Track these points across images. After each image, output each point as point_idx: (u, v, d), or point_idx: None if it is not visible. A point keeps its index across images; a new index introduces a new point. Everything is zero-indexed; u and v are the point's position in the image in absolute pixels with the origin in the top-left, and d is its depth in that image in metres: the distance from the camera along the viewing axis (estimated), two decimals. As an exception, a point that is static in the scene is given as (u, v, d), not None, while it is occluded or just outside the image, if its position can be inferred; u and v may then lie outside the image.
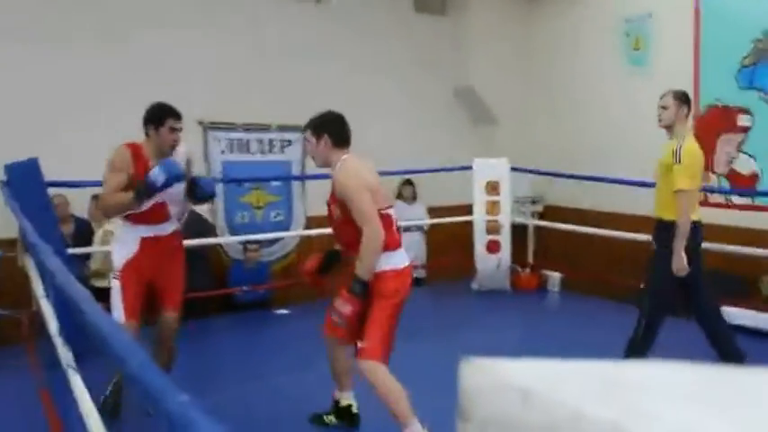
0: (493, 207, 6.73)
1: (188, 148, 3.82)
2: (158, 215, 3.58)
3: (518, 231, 7.15)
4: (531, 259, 7.22)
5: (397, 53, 7.63)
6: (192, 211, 5.92)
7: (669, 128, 4.19)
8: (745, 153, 6.43)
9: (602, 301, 6.18)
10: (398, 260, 3.25)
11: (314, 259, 3.56)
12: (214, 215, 6.74)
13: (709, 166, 6.67)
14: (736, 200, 6.46)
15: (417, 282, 7.67)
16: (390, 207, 3.33)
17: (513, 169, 6.81)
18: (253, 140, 6.93)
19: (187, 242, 5.96)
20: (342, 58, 7.25)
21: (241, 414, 3.83)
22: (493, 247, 6.70)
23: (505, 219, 6.74)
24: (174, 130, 3.57)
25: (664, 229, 4.05)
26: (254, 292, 6.38)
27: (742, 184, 6.42)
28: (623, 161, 6.68)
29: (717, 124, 6.59)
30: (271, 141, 7.02)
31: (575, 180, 6.77)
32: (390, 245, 3.18)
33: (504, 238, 6.73)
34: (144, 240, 3.56)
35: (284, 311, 6.07)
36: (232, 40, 6.67)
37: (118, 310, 3.46)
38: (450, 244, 7.34)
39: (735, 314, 5.49)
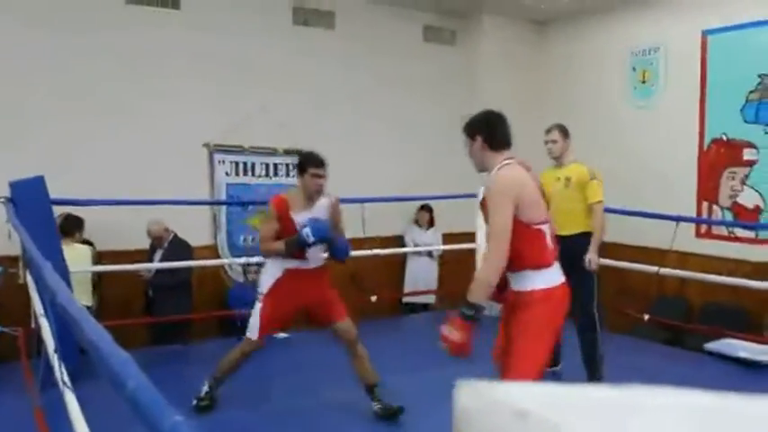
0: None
1: (332, 200, 4.20)
2: (302, 254, 4.02)
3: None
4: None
5: (406, 82, 7.68)
6: (175, 236, 5.92)
7: (558, 158, 4.80)
8: (749, 187, 6.42)
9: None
10: (551, 278, 2.93)
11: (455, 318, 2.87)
12: (216, 237, 6.75)
13: (713, 199, 6.68)
14: (739, 233, 6.44)
15: (425, 307, 7.70)
16: (546, 222, 2.99)
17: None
18: (258, 164, 6.95)
19: (176, 264, 6.02)
20: (351, 84, 7.30)
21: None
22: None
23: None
24: (316, 176, 3.99)
25: (581, 241, 4.57)
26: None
27: (746, 218, 6.41)
28: (628, 193, 6.67)
29: (722, 158, 6.60)
30: (276, 165, 7.04)
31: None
32: (542, 262, 2.91)
33: (507, 267, 6.68)
34: (288, 270, 4.04)
35: (285, 335, 6.04)
36: (242, 64, 6.72)
37: (254, 328, 4.04)
38: (459, 270, 7.32)
39: (737, 346, 5.46)
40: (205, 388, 4.22)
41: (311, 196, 4.04)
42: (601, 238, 4.66)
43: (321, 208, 4.07)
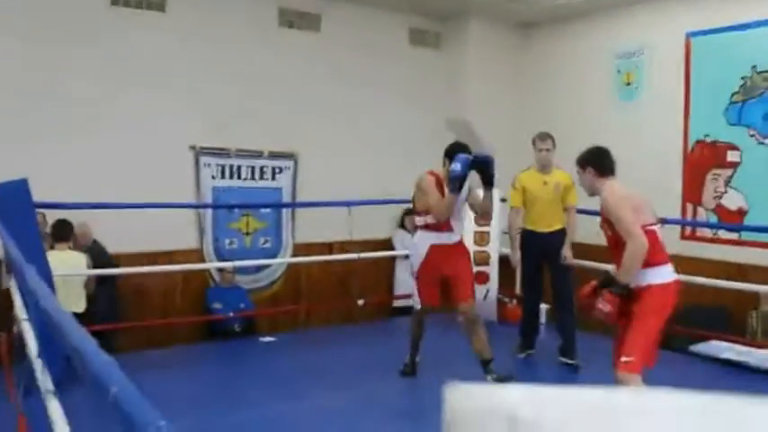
0: (482, 238, 6.73)
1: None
2: (445, 225, 4.64)
3: (506, 262, 7.13)
4: (518, 291, 7.20)
5: (391, 85, 7.68)
6: (96, 243, 5.80)
7: (549, 164, 5.34)
8: (733, 188, 6.47)
9: (587, 332, 6.14)
10: (664, 275, 3.49)
11: (590, 285, 3.72)
12: (202, 239, 6.71)
13: (698, 200, 6.73)
14: (723, 234, 6.49)
15: (410, 311, 7.66)
16: (656, 224, 3.58)
17: (503, 200, 6.82)
18: (244, 167, 6.92)
19: (159, 269, 5.98)
20: (337, 87, 7.29)
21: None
22: (481, 277, 6.67)
23: (494, 250, 6.73)
24: None
25: (561, 237, 5.28)
26: (237, 318, 6.33)
27: (729, 219, 6.45)
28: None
29: (705, 159, 6.65)
30: (262, 168, 7.01)
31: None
32: (656, 260, 3.45)
33: (493, 269, 6.71)
34: (432, 246, 4.64)
35: (270, 339, 6.02)
36: (228, 67, 6.69)
37: (416, 300, 4.79)
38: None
39: (722, 348, 5.49)
40: (406, 358, 4.95)
41: None
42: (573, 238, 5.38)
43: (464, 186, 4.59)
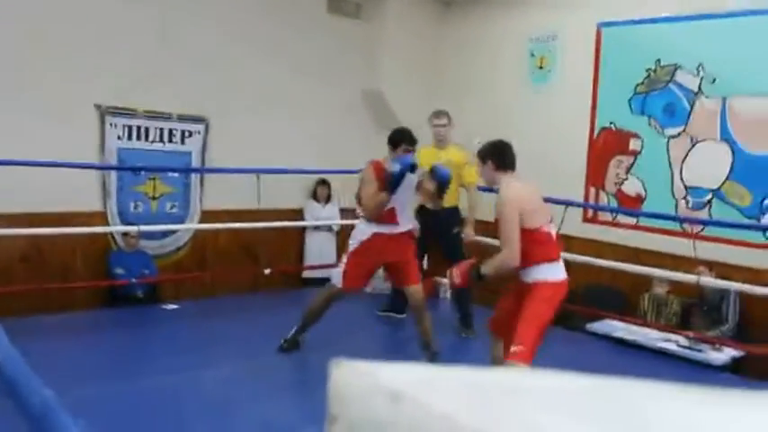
0: (393, 212, 6.76)
1: (422, 170, 4.63)
2: (389, 218, 4.54)
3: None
4: (425, 265, 7.30)
5: (307, 52, 7.56)
6: None
7: (443, 140, 5.61)
8: (633, 175, 6.75)
9: (484, 306, 6.33)
10: (554, 273, 3.60)
11: (469, 263, 3.84)
12: (105, 202, 6.48)
13: (600, 185, 6.99)
14: (622, 219, 6.77)
15: (324, 282, 7.65)
16: (548, 224, 3.67)
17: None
18: (152, 129, 6.69)
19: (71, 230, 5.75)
20: (251, 53, 7.12)
21: (125, 411, 3.69)
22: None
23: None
24: (407, 151, 4.49)
25: (452, 215, 5.49)
26: (140, 284, 6.17)
27: (628, 205, 6.74)
28: (521, 175, 6.86)
29: (610, 146, 6.90)
30: (171, 131, 6.81)
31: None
32: (548, 257, 3.57)
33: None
34: (375, 234, 4.57)
35: (173, 306, 5.90)
36: (139, 25, 6.43)
37: (339, 277, 4.63)
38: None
39: (616, 327, 5.77)
40: (292, 332, 4.82)
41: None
42: (475, 213, 5.57)
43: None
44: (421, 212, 5.51)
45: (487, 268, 3.61)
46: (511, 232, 3.47)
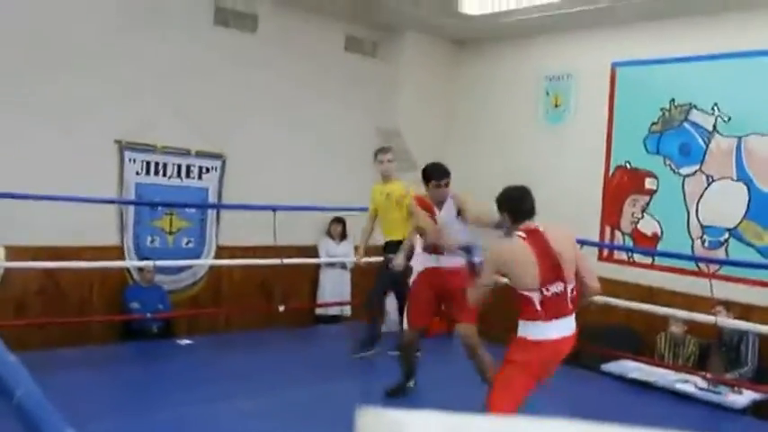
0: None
1: (455, 197, 4.59)
2: (439, 249, 4.51)
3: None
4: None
5: (324, 90, 7.66)
6: None
7: (390, 175, 5.73)
8: (649, 215, 6.73)
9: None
10: (539, 331, 3.39)
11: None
12: (122, 236, 6.53)
13: (616, 224, 6.97)
14: (638, 258, 6.74)
15: (336, 319, 7.68)
16: (549, 285, 3.37)
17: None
18: (170, 164, 6.77)
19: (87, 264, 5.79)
20: (269, 89, 7.22)
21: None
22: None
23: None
24: (438, 186, 4.52)
25: (394, 247, 5.34)
26: (155, 319, 6.19)
27: (644, 244, 6.71)
28: (538, 213, 6.85)
29: (625, 185, 6.90)
30: (189, 167, 6.88)
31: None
32: (530, 316, 3.38)
33: (417, 281, 6.76)
34: (428, 269, 4.62)
35: (188, 341, 5.90)
36: (160, 62, 6.54)
37: (405, 319, 4.70)
38: (369, 284, 7.34)
39: (631, 367, 5.69)
40: (400, 380, 4.82)
41: (439, 202, 4.60)
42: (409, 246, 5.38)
43: (449, 207, 4.57)
44: (385, 248, 5.66)
45: (469, 296, 3.65)
46: (480, 280, 3.54)
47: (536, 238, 3.46)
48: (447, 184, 4.54)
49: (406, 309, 4.71)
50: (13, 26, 5.81)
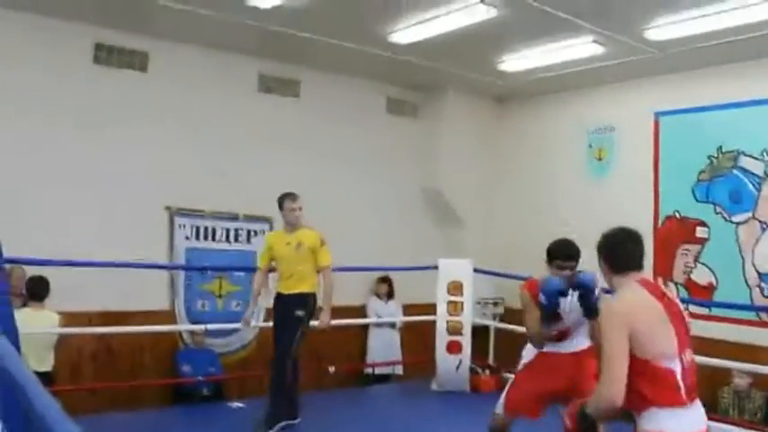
0: (455, 307, 6.72)
1: (596, 277, 3.55)
2: (559, 336, 3.85)
3: (479, 332, 7.12)
4: (491, 361, 7.16)
5: (368, 152, 7.78)
6: None
7: (297, 224, 5.25)
8: (702, 264, 6.57)
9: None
10: (672, 424, 2.47)
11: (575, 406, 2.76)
12: (173, 300, 6.63)
13: (668, 275, 6.81)
14: (693, 309, 6.54)
15: (386, 378, 7.61)
16: (672, 360, 2.49)
17: (476, 270, 6.85)
18: (219, 229, 6.91)
19: (139, 329, 5.88)
20: (313, 152, 7.35)
21: None
22: (454, 347, 6.65)
23: (467, 319, 6.73)
24: (561, 267, 3.79)
25: (304, 299, 5.06)
26: (206, 382, 6.22)
27: (699, 294, 6.53)
28: (585, 267, 6.75)
29: (675, 235, 6.77)
30: (237, 231, 7.00)
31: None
32: (662, 401, 2.47)
33: (465, 339, 6.69)
34: (541, 354, 3.91)
35: (239, 405, 5.89)
36: (207, 128, 6.75)
37: (501, 399, 3.95)
38: (417, 342, 7.30)
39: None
40: None
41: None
42: (331, 299, 5.17)
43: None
44: (275, 297, 5.23)
45: (589, 407, 2.58)
46: (613, 359, 2.43)
47: (653, 288, 2.67)
48: (572, 269, 3.79)
49: (506, 391, 4.01)
50: (67, 104, 6.07)
